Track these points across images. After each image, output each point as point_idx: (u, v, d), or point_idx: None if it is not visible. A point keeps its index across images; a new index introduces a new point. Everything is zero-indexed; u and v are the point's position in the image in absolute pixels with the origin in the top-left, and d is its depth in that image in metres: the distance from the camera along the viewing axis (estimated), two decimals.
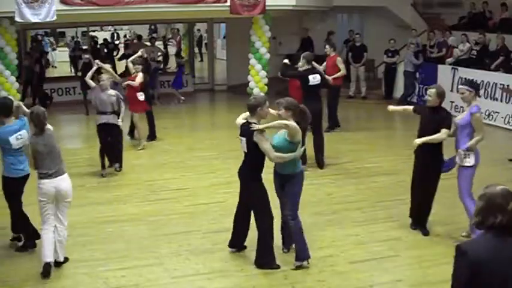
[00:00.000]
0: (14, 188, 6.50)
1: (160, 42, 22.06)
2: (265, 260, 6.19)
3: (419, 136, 6.72)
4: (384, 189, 8.81)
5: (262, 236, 6.15)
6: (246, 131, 5.99)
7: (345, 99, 16.20)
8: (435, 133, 6.57)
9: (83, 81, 15.32)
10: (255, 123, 5.93)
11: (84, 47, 19.94)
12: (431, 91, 6.68)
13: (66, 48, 23.88)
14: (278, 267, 6.19)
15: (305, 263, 6.19)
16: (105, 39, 21.18)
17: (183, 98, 16.89)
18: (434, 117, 6.67)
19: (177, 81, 17.17)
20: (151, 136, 12.13)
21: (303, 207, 7.72)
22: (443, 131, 6.55)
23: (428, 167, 6.82)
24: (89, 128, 10.18)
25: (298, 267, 6.16)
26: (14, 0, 12.40)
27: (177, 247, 6.78)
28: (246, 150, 6.08)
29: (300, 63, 9.98)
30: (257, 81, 15.27)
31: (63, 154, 6.41)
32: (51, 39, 24.78)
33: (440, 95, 6.71)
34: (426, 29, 17.40)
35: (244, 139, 6.03)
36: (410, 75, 15.74)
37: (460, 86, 6.92)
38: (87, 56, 15.12)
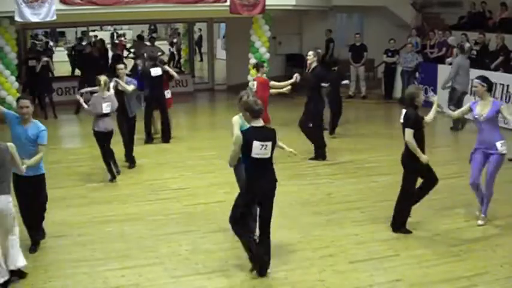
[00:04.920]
0: None
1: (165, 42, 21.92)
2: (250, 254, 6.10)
3: None
4: (384, 189, 8.81)
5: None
6: (270, 135, 5.80)
7: (345, 99, 16.19)
8: None
9: (40, 83, 14.90)
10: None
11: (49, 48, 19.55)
12: None
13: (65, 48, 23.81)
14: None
15: None
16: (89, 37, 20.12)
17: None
18: None
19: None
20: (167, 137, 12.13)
21: (302, 206, 7.75)
22: None
23: None
24: (88, 127, 10.16)
25: None
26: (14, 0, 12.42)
27: (177, 247, 6.78)
28: (269, 155, 5.81)
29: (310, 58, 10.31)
30: None
31: (62, 154, 6.42)
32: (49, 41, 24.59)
33: None
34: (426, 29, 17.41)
35: (269, 144, 5.75)
36: (405, 74, 15.74)
37: (474, 80, 7.33)
38: (45, 58, 14.82)
